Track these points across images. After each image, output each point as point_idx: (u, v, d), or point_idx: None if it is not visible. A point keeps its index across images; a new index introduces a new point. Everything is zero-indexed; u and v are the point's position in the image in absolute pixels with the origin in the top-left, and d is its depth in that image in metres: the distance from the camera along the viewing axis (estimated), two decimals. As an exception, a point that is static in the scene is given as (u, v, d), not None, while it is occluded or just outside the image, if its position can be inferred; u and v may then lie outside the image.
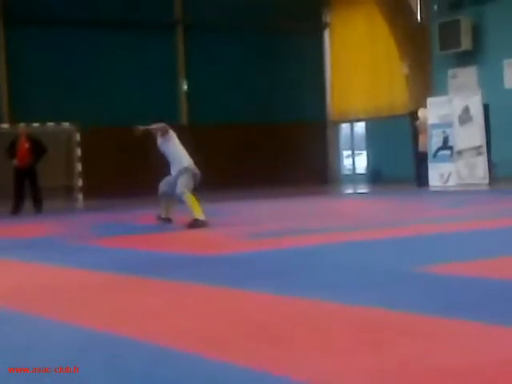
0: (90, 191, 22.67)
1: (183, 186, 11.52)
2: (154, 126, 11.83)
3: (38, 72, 24.10)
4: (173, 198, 11.80)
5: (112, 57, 25.13)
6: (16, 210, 17.01)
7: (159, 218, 11.92)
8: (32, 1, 23.99)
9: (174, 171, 11.71)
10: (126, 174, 24.07)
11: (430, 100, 21.89)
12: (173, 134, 11.90)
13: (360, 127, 29.14)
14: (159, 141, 11.91)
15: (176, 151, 11.80)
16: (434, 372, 3.03)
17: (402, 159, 24.78)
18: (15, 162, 17.12)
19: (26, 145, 17.18)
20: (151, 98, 25.23)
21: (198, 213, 11.24)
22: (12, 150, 17.29)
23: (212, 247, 8.69)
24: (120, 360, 3.54)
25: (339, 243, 8.29)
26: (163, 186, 11.85)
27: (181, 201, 11.55)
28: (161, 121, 11.96)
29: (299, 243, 8.44)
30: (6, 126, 22.17)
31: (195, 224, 11.07)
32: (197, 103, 26.12)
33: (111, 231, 11.81)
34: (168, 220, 11.86)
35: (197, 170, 11.77)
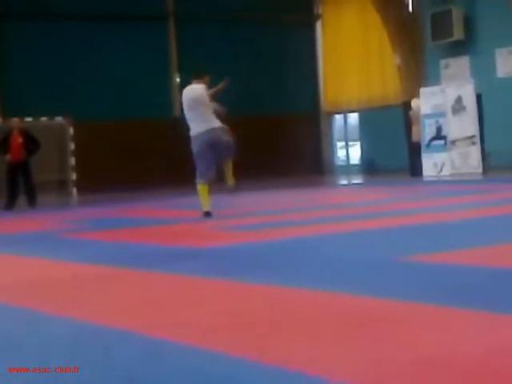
0: (84, 185, 22.66)
1: (197, 171, 10.75)
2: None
3: (30, 66, 24.06)
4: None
5: (104, 50, 25.08)
6: (9, 205, 16.99)
7: (205, 213, 10.91)
8: (23, -5, 23.95)
9: None
10: (119, 168, 24.04)
11: (422, 90, 21.92)
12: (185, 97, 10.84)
13: (353, 118, 29.17)
14: None
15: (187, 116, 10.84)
16: (425, 361, 3.04)
17: (396, 149, 24.79)
18: (8, 157, 17.08)
19: (19, 139, 17.14)
20: (144, 91, 25.21)
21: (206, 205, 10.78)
22: (5, 145, 17.25)
23: (204, 239, 8.69)
24: (114, 353, 3.54)
25: (330, 234, 8.29)
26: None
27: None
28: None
29: (290, 234, 8.44)
30: (-2, 120, 22.17)
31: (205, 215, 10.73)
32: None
33: (105, 225, 11.80)
34: (208, 214, 10.89)
35: (206, 135, 10.56)
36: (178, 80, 26.19)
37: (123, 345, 3.69)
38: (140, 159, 23.92)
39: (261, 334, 3.73)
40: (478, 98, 20.48)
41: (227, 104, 26.32)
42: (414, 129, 21.63)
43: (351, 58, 28.09)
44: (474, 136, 20.18)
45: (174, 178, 23.06)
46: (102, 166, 23.94)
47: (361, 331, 3.64)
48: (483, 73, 22.55)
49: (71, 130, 23.06)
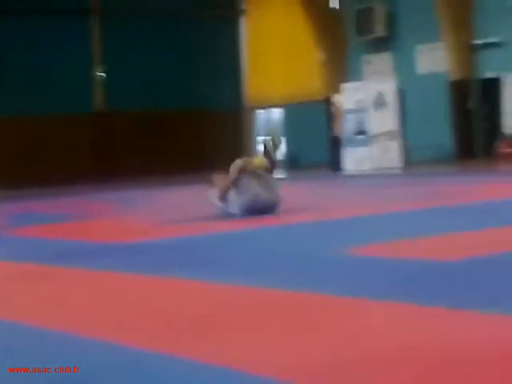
0: (2, 181, 22.27)
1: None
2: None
3: None
4: None
5: (27, 45, 24.64)
6: None
7: None
8: None
9: None
10: (31, 164, 23.67)
11: (344, 86, 22.16)
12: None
13: (277, 113, 29.27)
14: None
15: None
16: (368, 354, 3.06)
17: (319, 144, 25.00)
18: None
19: None
20: (66, 86, 24.87)
21: None
22: None
23: (131, 234, 8.56)
24: (29, 349, 3.50)
25: (259, 228, 8.30)
26: None
27: None
28: None
29: (220, 229, 8.44)
30: None
31: None
32: (113, 91, 25.82)
33: (26, 221, 11.60)
34: None
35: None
36: (100, 74, 25.90)
37: (35, 341, 3.63)
38: (59, 155, 23.58)
39: (190, 331, 3.70)
40: (400, 93, 20.82)
41: (150, 99, 26.22)
42: (336, 124, 21.86)
43: (275, 54, 28.19)
44: (394, 131, 20.51)
45: (95, 174, 22.79)
46: (20, 162, 23.55)
47: (300, 326, 3.63)
48: (404, 69, 22.91)
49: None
